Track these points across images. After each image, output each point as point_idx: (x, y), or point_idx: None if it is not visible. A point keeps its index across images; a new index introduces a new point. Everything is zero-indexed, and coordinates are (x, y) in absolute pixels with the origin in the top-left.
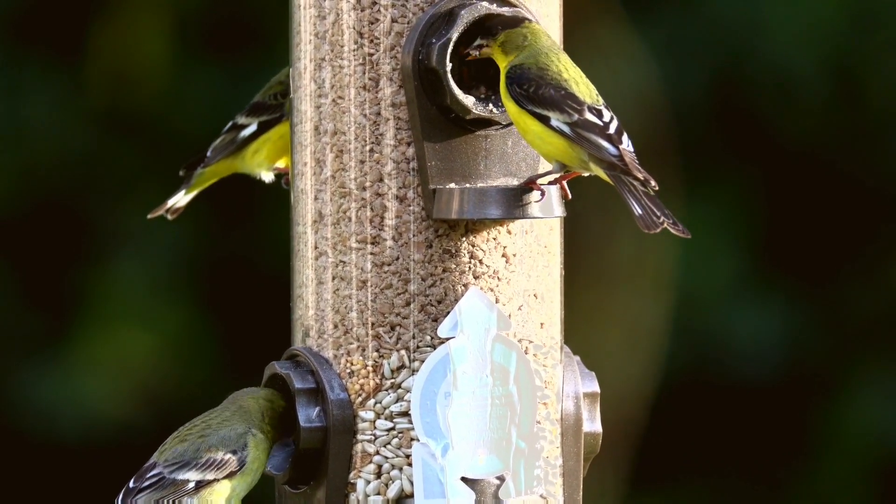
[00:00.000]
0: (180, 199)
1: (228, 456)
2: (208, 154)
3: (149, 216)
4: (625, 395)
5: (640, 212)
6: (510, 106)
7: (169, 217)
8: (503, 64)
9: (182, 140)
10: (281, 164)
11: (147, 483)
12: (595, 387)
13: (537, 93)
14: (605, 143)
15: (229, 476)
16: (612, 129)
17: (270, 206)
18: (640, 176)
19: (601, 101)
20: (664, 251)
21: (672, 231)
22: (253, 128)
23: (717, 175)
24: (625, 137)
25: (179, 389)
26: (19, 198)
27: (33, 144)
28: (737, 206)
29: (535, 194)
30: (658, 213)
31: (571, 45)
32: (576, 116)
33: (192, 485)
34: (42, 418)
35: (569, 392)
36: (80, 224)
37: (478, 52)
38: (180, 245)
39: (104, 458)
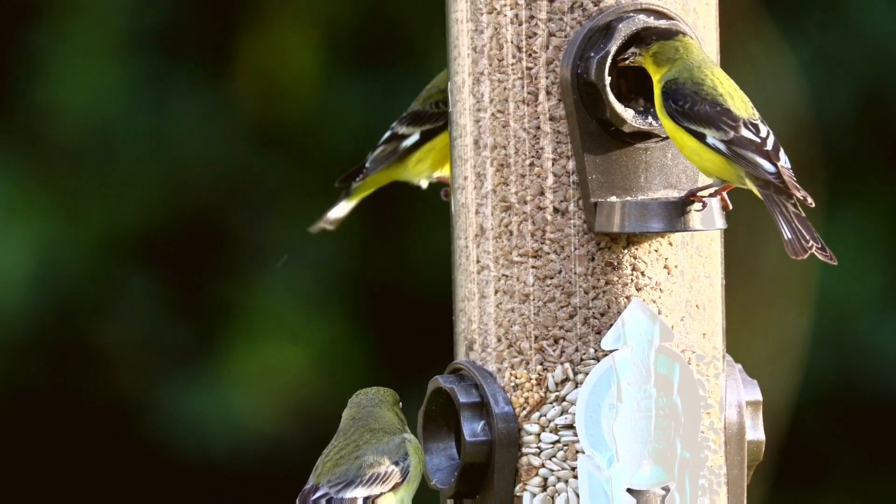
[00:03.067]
0: (341, 209)
1: (392, 468)
2: (367, 165)
3: (311, 229)
4: (769, 408)
5: (789, 236)
6: (666, 122)
7: (331, 228)
8: (656, 77)
9: (330, 153)
10: (439, 172)
11: None
12: (757, 395)
13: (693, 109)
14: (761, 161)
15: (394, 488)
16: (770, 145)
17: (421, 219)
18: (798, 194)
19: (757, 114)
20: (810, 264)
21: (819, 256)
22: (415, 137)
23: (866, 189)
24: (782, 154)
25: (330, 404)
26: (167, 211)
27: (182, 158)
28: (886, 220)
29: (697, 206)
30: (807, 237)
31: (720, 59)
32: (731, 134)
33: (360, 502)
34: (191, 433)
35: (731, 401)
36: (228, 237)
37: (631, 60)
38: (329, 258)
39: (254, 473)
